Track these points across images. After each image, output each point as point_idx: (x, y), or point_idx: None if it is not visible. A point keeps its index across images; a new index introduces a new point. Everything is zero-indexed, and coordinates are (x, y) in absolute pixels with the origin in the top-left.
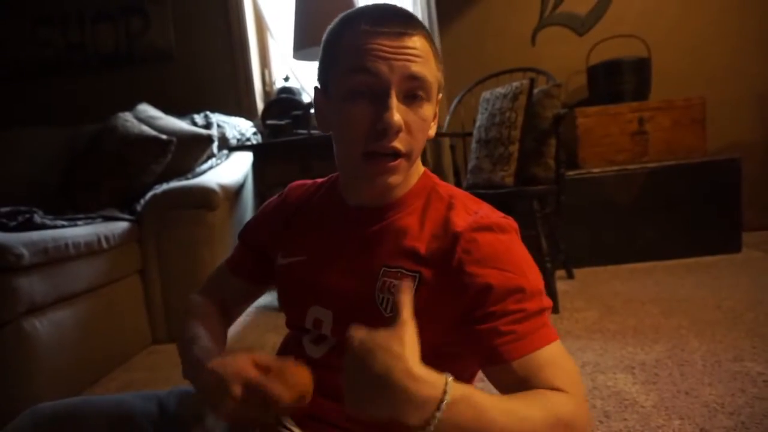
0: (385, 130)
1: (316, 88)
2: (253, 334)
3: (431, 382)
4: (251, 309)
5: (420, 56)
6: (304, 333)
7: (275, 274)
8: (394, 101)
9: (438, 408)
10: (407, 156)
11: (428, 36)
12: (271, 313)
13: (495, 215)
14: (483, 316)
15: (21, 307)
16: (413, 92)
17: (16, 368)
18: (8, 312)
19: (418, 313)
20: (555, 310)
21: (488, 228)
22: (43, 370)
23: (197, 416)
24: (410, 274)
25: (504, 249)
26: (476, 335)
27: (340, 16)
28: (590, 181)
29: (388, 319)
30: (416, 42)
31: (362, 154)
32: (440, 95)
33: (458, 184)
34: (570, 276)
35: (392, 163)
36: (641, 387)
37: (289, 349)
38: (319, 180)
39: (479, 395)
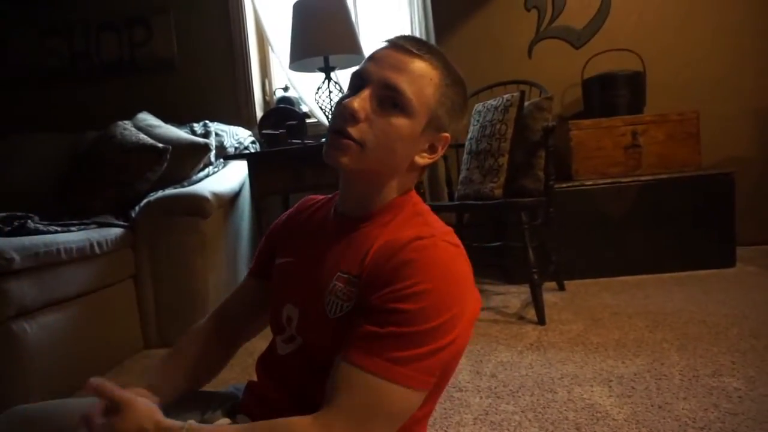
0: (341, 113)
1: None
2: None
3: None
4: None
5: (409, 72)
6: (280, 332)
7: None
8: (364, 93)
9: None
10: (360, 144)
11: (440, 66)
12: None
13: (447, 235)
14: (361, 309)
15: (11, 310)
16: (390, 101)
17: (4, 370)
18: None
19: (353, 310)
20: (542, 321)
21: (432, 246)
22: (32, 372)
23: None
24: (353, 278)
25: (436, 273)
26: (351, 321)
27: None
28: (583, 194)
29: (332, 320)
30: (415, 62)
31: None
32: (444, 134)
33: (450, 194)
34: (561, 288)
35: (342, 141)
36: (616, 400)
37: (269, 347)
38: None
39: None
